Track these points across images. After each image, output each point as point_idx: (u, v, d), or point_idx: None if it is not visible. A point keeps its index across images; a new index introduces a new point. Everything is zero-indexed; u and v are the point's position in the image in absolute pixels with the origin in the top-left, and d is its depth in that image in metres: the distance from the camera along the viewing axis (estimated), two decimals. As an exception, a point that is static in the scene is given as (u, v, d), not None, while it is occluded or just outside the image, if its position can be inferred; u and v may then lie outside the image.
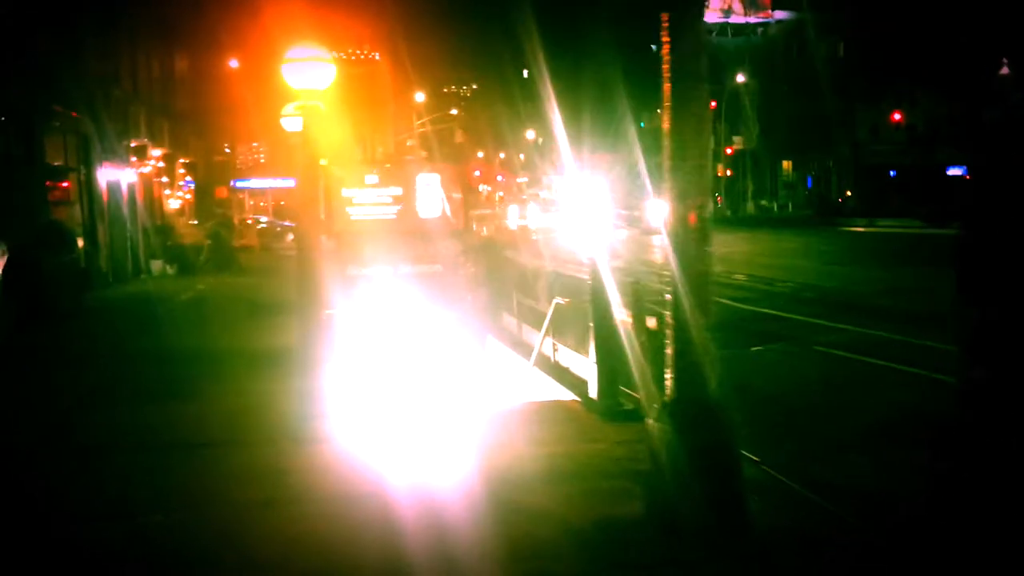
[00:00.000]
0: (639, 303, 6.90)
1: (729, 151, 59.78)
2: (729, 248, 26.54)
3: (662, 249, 4.72)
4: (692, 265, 4.62)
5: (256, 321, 13.97)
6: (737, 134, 60.96)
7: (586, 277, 7.52)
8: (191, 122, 30.42)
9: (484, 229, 26.69)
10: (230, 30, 30.55)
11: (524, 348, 9.57)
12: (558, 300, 7.68)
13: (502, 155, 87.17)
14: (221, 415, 7.87)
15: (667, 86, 4.61)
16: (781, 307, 13.17)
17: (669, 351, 4.72)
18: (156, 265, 22.49)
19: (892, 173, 50.00)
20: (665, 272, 4.69)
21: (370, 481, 5.71)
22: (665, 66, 4.60)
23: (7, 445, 6.99)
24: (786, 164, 64.05)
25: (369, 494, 5.45)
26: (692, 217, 4.57)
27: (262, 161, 50.26)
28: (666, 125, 4.62)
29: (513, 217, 53.50)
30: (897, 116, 47.97)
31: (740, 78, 55.11)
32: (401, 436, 6.79)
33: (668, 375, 4.71)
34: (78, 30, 18.43)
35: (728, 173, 60.66)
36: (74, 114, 18.23)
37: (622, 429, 6.67)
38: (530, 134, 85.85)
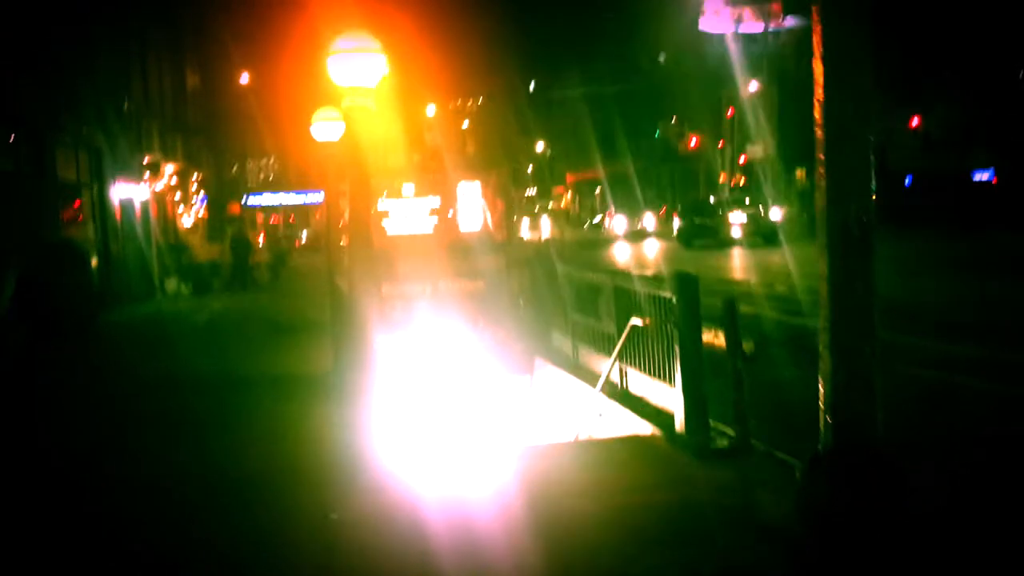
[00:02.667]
0: (734, 323, 6.06)
1: (742, 160, 58.98)
2: (759, 259, 25.53)
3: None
4: (853, 282, 3.79)
5: (280, 342, 13.20)
6: (751, 142, 60.19)
7: (663, 293, 6.71)
8: (204, 137, 29.76)
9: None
10: (242, 43, 29.93)
11: (582, 372, 8.73)
12: (635, 321, 6.84)
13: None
14: (256, 453, 7.06)
15: (819, 66, 3.79)
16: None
17: (824, 388, 3.88)
18: (171, 284, 21.75)
19: (908, 178, 49.00)
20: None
21: (435, 547, 4.82)
22: (816, 38, 3.78)
23: (32, 488, 6.20)
24: (799, 172, 63.20)
25: (437, 569, 4.57)
26: (854, 224, 3.73)
27: (272, 178, 49.68)
28: (817, 114, 3.80)
29: (527, 229, 52.72)
30: (915, 121, 47.05)
31: (753, 86, 54.36)
32: (460, 481, 5.91)
33: (825, 418, 3.87)
34: (90, 42, 17.76)
35: (742, 182, 59.83)
36: (86, 128, 17.53)
37: (720, 471, 5.81)
38: (539, 147, 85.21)
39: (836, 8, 3.70)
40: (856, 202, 3.74)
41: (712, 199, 41.64)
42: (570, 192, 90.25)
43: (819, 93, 3.78)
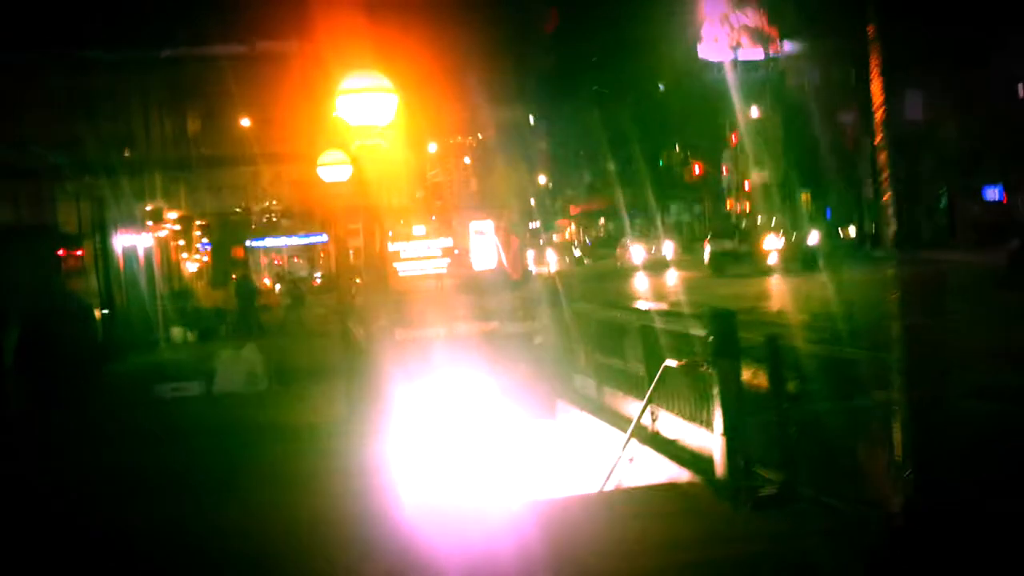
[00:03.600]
0: (776, 362, 5.69)
1: (747, 185, 58.82)
2: (798, 286, 24.02)
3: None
4: (929, 318, 3.43)
5: (290, 389, 12.79)
6: (754, 168, 60.09)
7: (697, 331, 6.34)
8: (206, 181, 29.61)
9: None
10: (244, 87, 29.88)
11: (608, 414, 8.33)
12: (670, 362, 6.48)
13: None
14: (270, 518, 6.65)
15: (878, 84, 3.46)
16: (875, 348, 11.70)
17: (901, 437, 3.51)
18: (176, 331, 21.41)
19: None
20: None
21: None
22: (875, 57, 3.46)
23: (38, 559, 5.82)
24: (804, 196, 62.99)
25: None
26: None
27: (275, 220, 49.53)
28: (879, 135, 3.46)
29: (532, 263, 52.34)
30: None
31: (755, 112, 54.35)
32: (483, 540, 5.46)
33: (904, 470, 3.49)
34: (90, 90, 17.67)
35: (747, 208, 59.65)
36: (88, 177, 17.36)
37: (770, 521, 5.39)
38: (541, 179, 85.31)
39: (894, 24, 3.38)
40: (927, 226, 3.38)
41: (744, 224, 39.53)
42: (574, 224, 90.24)
43: (880, 114, 3.44)
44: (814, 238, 32.17)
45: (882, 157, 3.49)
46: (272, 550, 5.71)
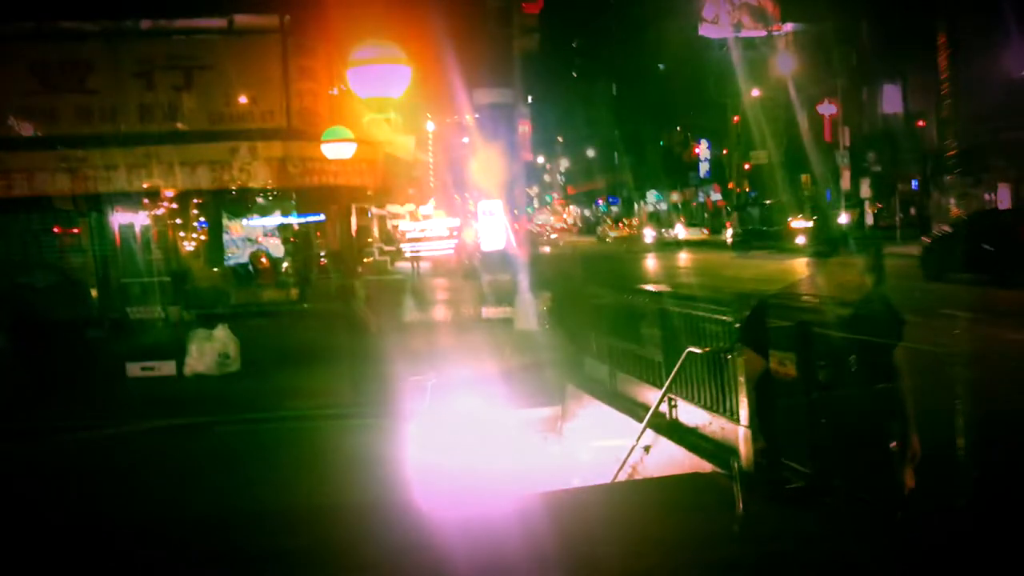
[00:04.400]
0: (807, 349, 5.45)
1: (747, 166, 58.41)
2: (824, 268, 23.33)
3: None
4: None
5: (295, 372, 12.50)
6: (754, 149, 59.65)
7: (722, 316, 6.10)
8: (199, 158, 29.17)
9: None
10: (240, 63, 29.41)
11: (621, 400, 8.10)
12: (694, 349, 6.23)
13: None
14: (275, 501, 6.44)
15: (944, 56, 3.17)
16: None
17: (962, 435, 3.27)
18: (173, 311, 21.10)
19: (915, 184, 48.08)
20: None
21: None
22: (942, 36, 3.17)
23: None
24: (804, 178, 62.58)
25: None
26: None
27: (270, 198, 49.01)
28: (948, 110, 3.17)
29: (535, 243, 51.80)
30: (921, 123, 46.43)
31: (755, 92, 53.86)
32: (492, 536, 5.19)
33: (965, 468, 3.26)
34: (85, 65, 17.29)
35: (747, 189, 59.30)
36: (82, 153, 17.02)
37: (797, 516, 5.16)
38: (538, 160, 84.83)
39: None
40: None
41: (767, 203, 39.04)
42: (571, 204, 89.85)
43: (947, 88, 3.16)
44: (844, 218, 31.36)
45: (948, 135, 3.22)
46: (276, 543, 5.49)
